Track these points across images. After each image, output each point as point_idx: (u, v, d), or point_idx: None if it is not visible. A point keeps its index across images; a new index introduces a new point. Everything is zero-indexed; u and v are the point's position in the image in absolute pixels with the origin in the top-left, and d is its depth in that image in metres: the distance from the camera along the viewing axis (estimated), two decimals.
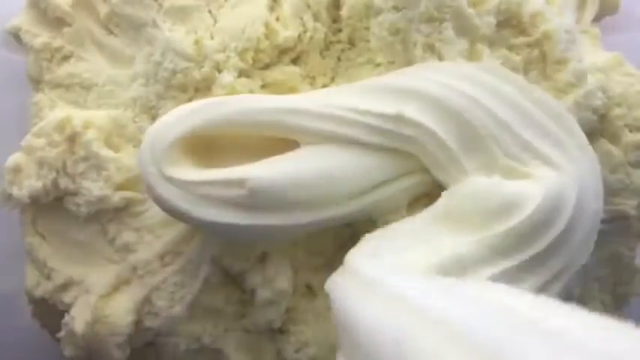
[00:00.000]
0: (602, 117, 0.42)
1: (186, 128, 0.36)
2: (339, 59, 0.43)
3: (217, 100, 0.37)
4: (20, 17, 0.45)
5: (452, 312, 0.23)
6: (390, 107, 0.36)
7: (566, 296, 0.34)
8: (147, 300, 0.41)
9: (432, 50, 0.39)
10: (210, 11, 0.42)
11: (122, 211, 0.41)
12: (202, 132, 0.36)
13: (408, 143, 0.36)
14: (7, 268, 0.45)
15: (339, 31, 0.42)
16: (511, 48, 0.41)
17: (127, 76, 0.43)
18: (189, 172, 0.36)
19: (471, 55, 0.40)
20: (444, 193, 0.36)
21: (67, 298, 0.42)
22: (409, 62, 0.40)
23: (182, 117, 0.36)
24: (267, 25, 0.41)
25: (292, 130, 0.37)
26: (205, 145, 0.38)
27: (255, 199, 0.34)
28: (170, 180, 0.35)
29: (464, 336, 0.22)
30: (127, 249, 0.41)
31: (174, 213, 0.36)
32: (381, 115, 0.36)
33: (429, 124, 0.35)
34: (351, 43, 0.42)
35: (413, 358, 0.22)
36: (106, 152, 0.41)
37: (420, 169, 0.37)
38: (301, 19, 0.41)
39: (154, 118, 0.42)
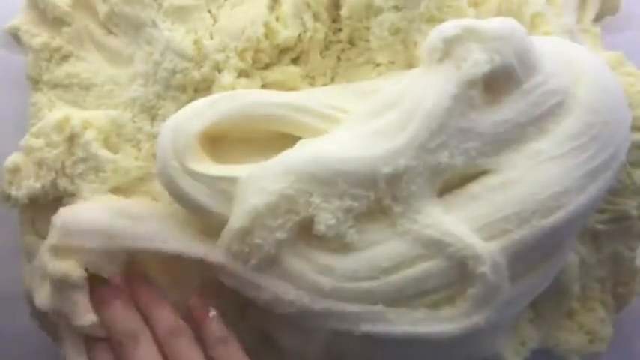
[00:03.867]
0: None
1: (207, 122, 0.36)
2: (339, 59, 0.43)
3: (231, 94, 0.38)
4: (19, 17, 0.45)
5: None
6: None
7: None
8: None
9: None
10: (209, 11, 0.41)
11: None
12: (217, 126, 0.37)
13: None
14: (6, 268, 0.45)
15: (339, 30, 0.42)
16: None
17: (126, 76, 0.43)
18: (210, 167, 0.36)
19: None
20: None
21: None
22: (410, 62, 0.40)
23: (201, 111, 0.36)
24: (267, 24, 0.41)
25: (298, 126, 0.37)
26: (211, 140, 0.38)
27: None
28: (192, 174, 0.35)
29: None
30: None
31: (195, 207, 0.36)
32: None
33: None
34: (351, 43, 0.42)
35: None
36: (104, 153, 0.40)
37: None
38: (301, 18, 0.41)
39: (153, 119, 0.42)
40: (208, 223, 0.38)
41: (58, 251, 0.37)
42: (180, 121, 0.36)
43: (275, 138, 0.38)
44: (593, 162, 0.36)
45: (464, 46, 0.35)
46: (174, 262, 0.39)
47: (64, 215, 0.38)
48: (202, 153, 0.37)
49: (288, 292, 0.35)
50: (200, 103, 0.37)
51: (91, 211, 0.38)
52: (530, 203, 0.35)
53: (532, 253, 0.36)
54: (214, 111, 0.36)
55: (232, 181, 0.35)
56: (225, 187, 0.36)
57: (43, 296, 0.38)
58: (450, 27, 0.35)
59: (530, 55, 0.35)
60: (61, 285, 0.37)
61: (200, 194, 0.36)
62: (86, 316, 0.37)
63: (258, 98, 0.37)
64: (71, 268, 0.37)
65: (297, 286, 0.35)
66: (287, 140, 0.37)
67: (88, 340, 0.38)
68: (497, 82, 0.35)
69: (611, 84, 0.37)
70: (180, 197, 0.36)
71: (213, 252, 0.37)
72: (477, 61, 0.34)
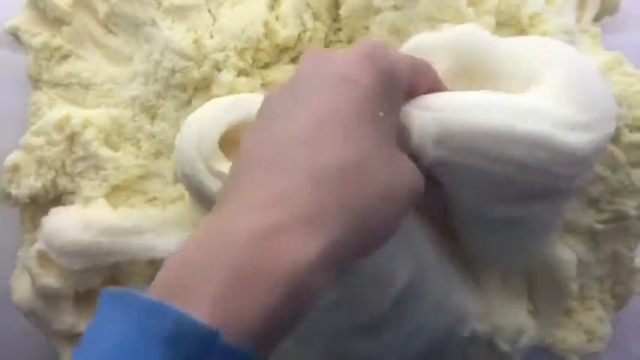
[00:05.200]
0: None
1: (228, 123, 0.36)
2: None
3: (249, 97, 0.38)
4: (19, 17, 0.45)
5: None
6: None
7: None
8: None
9: None
10: (209, 10, 0.41)
11: None
12: (237, 128, 0.37)
13: None
14: (3, 267, 0.45)
15: (339, 30, 0.43)
16: None
17: (126, 75, 0.43)
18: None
19: None
20: None
21: None
22: None
23: (220, 112, 0.36)
24: (266, 24, 0.41)
25: None
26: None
27: None
28: (219, 175, 0.35)
29: None
30: None
31: None
32: None
33: None
34: (351, 42, 0.42)
35: None
36: (104, 152, 0.41)
37: None
38: (301, 18, 0.41)
39: (153, 118, 0.42)
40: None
41: (43, 260, 0.39)
42: (202, 123, 0.36)
43: None
44: (576, 117, 0.32)
45: None
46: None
47: (49, 229, 0.39)
48: (221, 154, 0.37)
49: None
50: (213, 104, 0.37)
51: (74, 232, 0.38)
52: None
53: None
54: (235, 113, 0.36)
55: None
56: None
57: (22, 295, 0.40)
58: (408, 44, 0.36)
59: (484, 66, 0.35)
60: (44, 294, 0.39)
61: None
62: (67, 320, 0.39)
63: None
64: (56, 282, 0.39)
65: None
66: None
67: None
68: None
69: (587, 73, 0.34)
70: (207, 199, 0.36)
71: None
72: None
